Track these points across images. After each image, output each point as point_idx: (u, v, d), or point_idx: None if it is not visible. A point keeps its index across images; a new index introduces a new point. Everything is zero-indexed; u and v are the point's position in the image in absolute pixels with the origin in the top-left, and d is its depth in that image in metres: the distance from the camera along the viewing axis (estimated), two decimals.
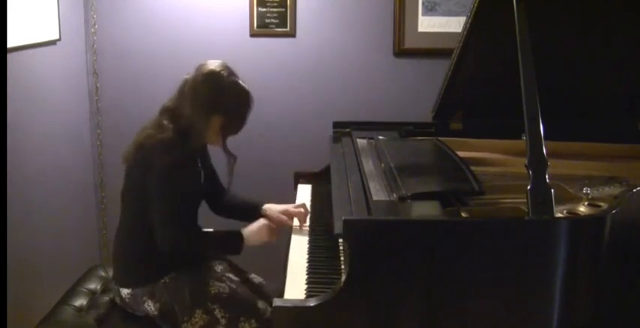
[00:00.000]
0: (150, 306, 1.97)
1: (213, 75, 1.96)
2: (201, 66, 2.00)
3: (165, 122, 1.97)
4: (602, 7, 2.00)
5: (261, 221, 2.07)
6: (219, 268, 2.14)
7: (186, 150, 1.95)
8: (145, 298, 1.98)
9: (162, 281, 1.98)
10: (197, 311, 1.93)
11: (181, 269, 2.01)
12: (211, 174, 2.21)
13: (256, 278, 2.20)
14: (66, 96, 2.85)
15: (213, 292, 1.96)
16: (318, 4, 3.01)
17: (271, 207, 2.20)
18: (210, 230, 2.04)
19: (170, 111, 2.00)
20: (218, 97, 1.96)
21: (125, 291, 2.01)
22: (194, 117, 1.96)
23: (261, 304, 1.99)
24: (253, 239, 2.02)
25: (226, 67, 2.00)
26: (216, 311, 1.93)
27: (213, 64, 1.99)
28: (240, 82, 2.00)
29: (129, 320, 2.01)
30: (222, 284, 2.00)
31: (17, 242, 2.32)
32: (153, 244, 1.95)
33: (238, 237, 2.01)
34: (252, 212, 2.21)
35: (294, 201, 2.37)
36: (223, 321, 1.92)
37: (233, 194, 2.26)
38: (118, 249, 2.08)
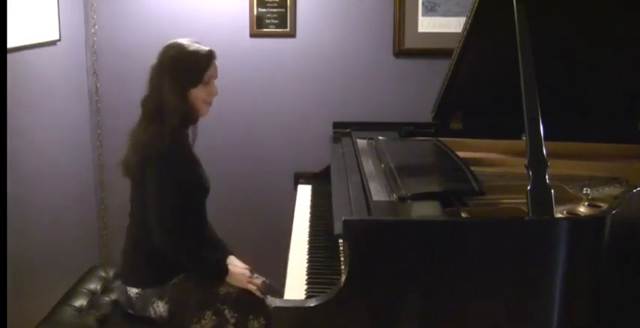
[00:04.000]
0: (159, 307, 1.97)
1: (170, 48, 2.02)
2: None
3: (147, 114, 1.98)
4: (602, 7, 1.99)
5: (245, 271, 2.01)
6: None
7: (175, 136, 1.94)
8: (154, 299, 1.97)
9: (172, 282, 1.98)
10: (207, 312, 1.93)
11: None
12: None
13: (259, 278, 2.15)
14: (66, 96, 2.85)
15: (222, 293, 1.96)
16: (318, 4, 3.01)
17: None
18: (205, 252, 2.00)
19: (148, 101, 2.00)
20: (176, 68, 2.00)
21: (134, 291, 2.00)
22: (167, 98, 1.96)
23: (268, 301, 1.97)
24: (235, 279, 1.98)
25: (184, 41, 2.03)
26: (226, 312, 1.93)
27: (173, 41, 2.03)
28: (200, 47, 2.04)
29: (130, 321, 2.01)
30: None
31: (17, 242, 2.32)
32: None
33: (223, 269, 1.97)
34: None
35: (294, 202, 2.37)
36: (233, 321, 1.92)
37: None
38: (128, 248, 2.07)
